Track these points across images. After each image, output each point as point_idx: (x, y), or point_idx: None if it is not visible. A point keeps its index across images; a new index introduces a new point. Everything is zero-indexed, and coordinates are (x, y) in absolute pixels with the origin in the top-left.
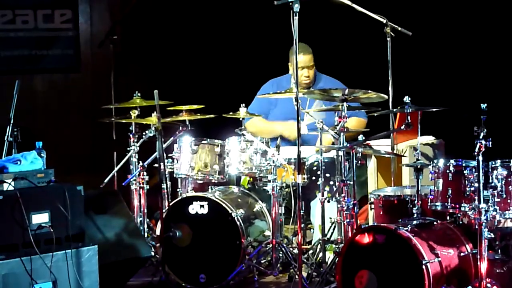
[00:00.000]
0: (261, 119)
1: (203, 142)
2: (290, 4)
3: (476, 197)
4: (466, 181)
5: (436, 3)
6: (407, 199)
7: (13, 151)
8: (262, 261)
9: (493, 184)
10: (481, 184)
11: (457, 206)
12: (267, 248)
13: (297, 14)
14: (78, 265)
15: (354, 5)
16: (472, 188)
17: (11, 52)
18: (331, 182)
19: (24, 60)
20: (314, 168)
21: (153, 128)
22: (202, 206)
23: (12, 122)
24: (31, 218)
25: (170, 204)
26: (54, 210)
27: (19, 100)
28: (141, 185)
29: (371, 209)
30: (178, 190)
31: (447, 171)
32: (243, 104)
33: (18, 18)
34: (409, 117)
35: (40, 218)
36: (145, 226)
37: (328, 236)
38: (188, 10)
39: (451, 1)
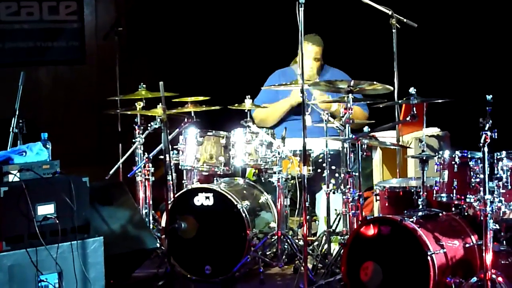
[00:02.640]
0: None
1: (209, 133)
2: None
3: (482, 189)
4: (472, 173)
5: None
6: (412, 190)
7: (19, 142)
8: (268, 253)
9: (498, 175)
10: (487, 176)
11: (463, 197)
12: (273, 240)
13: (302, 5)
14: (84, 256)
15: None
16: (478, 180)
17: (16, 44)
18: (337, 174)
19: (29, 52)
20: (320, 160)
21: (159, 120)
22: (207, 197)
23: (17, 113)
24: (37, 209)
25: (176, 195)
26: (60, 201)
27: (24, 92)
28: (147, 177)
29: (376, 200)
30: (183, 181)
31: (453, 162)
32: (249, 96)
33: (23, 10)
34: (414, 109)
35: (46, 209)
36: (151, 217)
37: (334, 227)
38: (194, 1)
39: None
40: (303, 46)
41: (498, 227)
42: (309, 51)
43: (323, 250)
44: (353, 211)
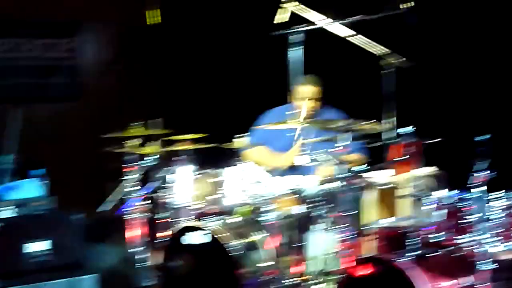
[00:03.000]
0: (261, 148)
1: (202, 171)
2: (286, 35)
3: (475, 229)
4: (465, 213)
5: (436, 34)
6: (405, 230)
7: (15, 178)
8: None
9: (491, 216)
10: (480, 216)
11: (456, 237)
12: (266, 279)
13: (293, 47)
14: None
15: (354, 40)
16: (471, 220)
17: (13, 81)
18: (330, 214)
19: (26, 89)
20: (313, 199)
21: (153, 157)
22: (200, 236)
23: (14, 150)
24: (32, 246)
25: (168, 234)
26: (55, 237)
27: (21, 128)
28: (140, 214)
29: (368, 240)
30: (176, 220)
31: (446, 202)
32: (238, 135)
33: (21, 47)
34: (410, 148)
35: (41, 246)
36: (144, 255)
37: (326, 267)
38: (189, 41)
39: (452, 32)
40: (300, 88)
41: (491, 268)
42: (306, 92)
43: None
44: (346, 251)
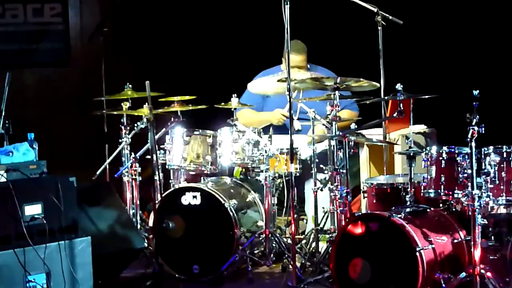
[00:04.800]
0: (250, 110)
1: (195, 133)
2: None
3: (469, 184)
4: (459, 168)
5: None
6: (400, 187)
7: (5, 143)
8: (256, 252)
9: (486, 171)
10: (474, 171)
11: (450, 193)
12: (260, 239)
13: (288, 2)
14: (72, 256)
15: None
16: (465, 175)
17: (1, 47)
18: (324, 172)
19: (14, 55)
20: (307, 158)
21: (145, 120)
22: (194, 197)
23: (3, 114)
24: (24, 210)
25: (163, 195)
26: (47, 201)
27: (10, 93)
28: (134, 177)
29: (364, 197)
30: (170, 181)
31: (440, 158)
32: (235, 95)
33: (7, 12)
34: (401, 105)
35: (33, 210)
36: (138, 217)
37: (321, 225)
38: (179, 1)
39: None
40: (287, 56)
41: (486, 223)
42: (293, 61)
43: (311, 248)
44: (341, 208)
